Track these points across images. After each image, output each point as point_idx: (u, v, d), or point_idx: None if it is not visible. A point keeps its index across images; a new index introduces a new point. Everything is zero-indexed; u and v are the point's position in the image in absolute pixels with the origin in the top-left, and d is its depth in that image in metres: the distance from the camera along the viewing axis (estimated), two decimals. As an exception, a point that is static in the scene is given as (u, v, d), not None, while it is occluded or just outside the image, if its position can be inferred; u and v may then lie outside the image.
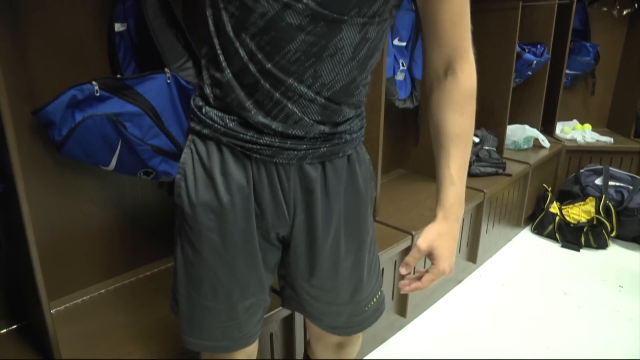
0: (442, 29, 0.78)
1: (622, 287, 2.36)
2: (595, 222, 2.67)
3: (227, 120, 0.78)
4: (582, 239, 2.70)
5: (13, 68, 1.20)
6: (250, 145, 0.78)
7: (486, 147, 2.56)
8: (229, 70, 0.76)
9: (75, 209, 1.41)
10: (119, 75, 1.31)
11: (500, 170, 2.50)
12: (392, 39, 2.08)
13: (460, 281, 2.37)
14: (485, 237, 2.44)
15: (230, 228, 0.83)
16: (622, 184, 2.77)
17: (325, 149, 0.81)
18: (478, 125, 2.64)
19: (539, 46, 2.77)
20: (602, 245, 2.70)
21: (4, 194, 1.09)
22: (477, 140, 2.56)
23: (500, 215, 2.57)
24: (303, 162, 0.80)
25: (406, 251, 1.85)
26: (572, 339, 1.98)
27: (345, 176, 0.87)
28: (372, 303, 1.03)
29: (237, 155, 0.80)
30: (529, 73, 2.81)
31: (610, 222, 2.68)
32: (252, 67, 0.74)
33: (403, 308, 1.95)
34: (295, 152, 0.79)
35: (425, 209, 2.05)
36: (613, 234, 2.70)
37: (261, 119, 0.76)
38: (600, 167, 2.88)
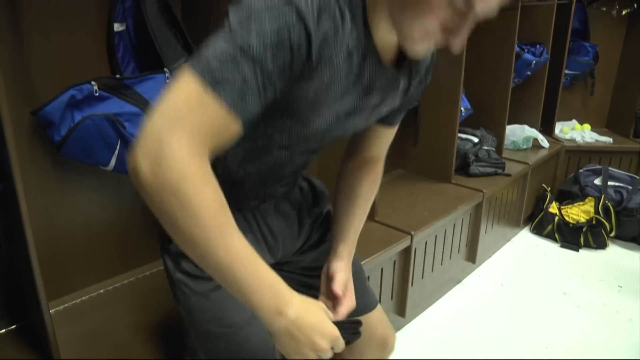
0: (374, 146, 1.01)
1: (621, 287, 2.37)
2: (594, 222, 2.67)
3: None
4: (582, 239, 2.70)
5: (12, 68, 1.20)
6: (239, 205, 0.90)
7: (485, 147, 2.55)
8: (223, 173, 0.82)
9: (74, 209, 1.41)
10: (118, 75, 1.31)
11: (500, 170, 2.50)
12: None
13: (459, 281, 2.37)
14: (485, 237, 2.43)
15: None
16: (621, 184, 2.77)
17: (288, 187, 1.00)
18: (477, 125, 2.64)
19: (538, 46, 2.77)
20: (601, 245, 2.70)
21: (3, 194, 1.09)
22: (476, 140, 2.55)
23: (500, 215, 2.57)
24: (278, 201, 0.99)
25: (405, 251, 1.85)
26: (571, 339, 1.98)
27: (303, 195, 1.06)
28: (368, 280, 1.16)
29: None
30: (528, 73, 2.80)
31: (610, 222, 2.68)
32: (246, 181, 0.88)
33: (402, 308, 1.95)
34: (274, 200, 0.97)
35: (424, 209, 2.04)
36: (612, 234, 2.70)
37: (250, 202, 0.93)
38: (600, 167, 2.88)
